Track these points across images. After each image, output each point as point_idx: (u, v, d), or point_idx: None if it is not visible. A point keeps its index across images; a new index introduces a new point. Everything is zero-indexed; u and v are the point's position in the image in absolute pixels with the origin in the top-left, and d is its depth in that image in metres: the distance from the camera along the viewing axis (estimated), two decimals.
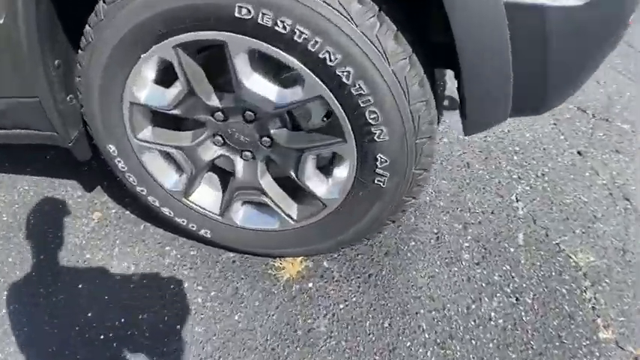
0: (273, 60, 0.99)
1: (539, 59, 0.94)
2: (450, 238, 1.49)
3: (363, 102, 0.97)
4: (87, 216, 1.60)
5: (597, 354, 1.26)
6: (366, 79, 0.94)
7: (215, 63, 1.08)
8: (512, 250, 1.46)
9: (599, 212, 1.56)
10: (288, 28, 0.89)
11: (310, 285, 1.39)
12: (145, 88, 1.14)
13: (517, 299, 1.36)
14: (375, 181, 1.12)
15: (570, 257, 1.45)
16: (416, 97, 0.98)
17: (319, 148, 1.13)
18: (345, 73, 0.93)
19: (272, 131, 1.14)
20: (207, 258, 1.47)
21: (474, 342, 1.28)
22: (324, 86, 0.97)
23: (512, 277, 1.40)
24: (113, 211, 1.61)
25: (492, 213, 1.57)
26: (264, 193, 1.28)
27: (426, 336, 1.28)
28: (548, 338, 1.29)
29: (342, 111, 1.00)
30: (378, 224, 1.25)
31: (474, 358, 1.25)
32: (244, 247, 1.44)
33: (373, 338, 1.29)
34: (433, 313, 1.33)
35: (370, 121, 1.00)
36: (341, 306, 1.34)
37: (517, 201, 1.61)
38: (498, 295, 1.36)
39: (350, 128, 1.03)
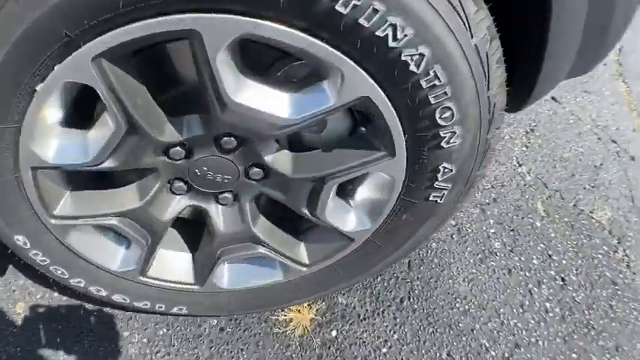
0: (265, 53, 0.67)
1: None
2: (473, 227, 1.28)
3: (435, 97, 0.66)
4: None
5: None
6: (445, 63, 0.63)
7: (159, 69, 0.71)
8: (538, 224, 1.30)
9: (598, 161, 1.46)
10: None
11: (334, 333, 1.08)
12: (50, 138, 0.71)
13: (563, 280, 1.20)
14: (431, 198, 0.84)
15: (592, 217, 1.32)
16: (496, 79, 0.71)
17: (351, 172, 0.78)
18: (415, 58, 0.62)
19: (266, 158, 0.76)
20: (185, 333, 1.09)
21: (540, 343, 1.10)
22: (372, 82, 0.64)
23: (550, 257, 1.24)
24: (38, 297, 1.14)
25: (502, 185, 1.38)
26: (262, 243, 0.92)
27: (493, 354, 1.07)
28: (603, 312, 1.16)
29: (396, 115, 0.70)
30: (420, 244, 0.98)
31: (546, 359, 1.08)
32: (236, 311, 1.08)
33: None
34: (489, 324, 1.11)
35: (440, 122, 0.70)
36: (384, 350, 1.07)
37: (520, 165, 1.44)
38: (545, 281, 1.19)
39: (403, 137, 0.73)
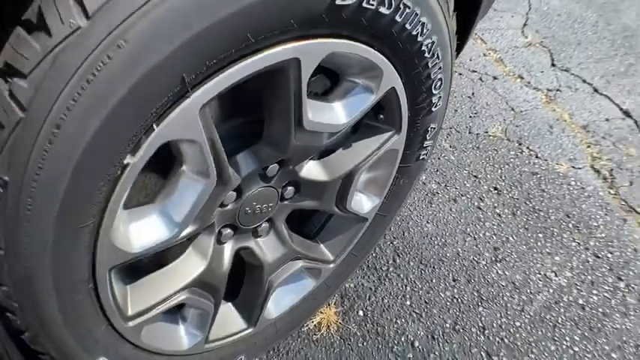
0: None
1: None
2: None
3: (434, 72, 0.80)
4: None
5: None
6: (442, 43, 0.77)
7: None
8: (453, 158, 1.54)
9: (469, 91, 1.76)
10: (393, 3, 0.63)
11: (361, 313, 1.18)
12: (132, 222, 0.65)
13: (496, 189, 1.46)
14: (420, 157, 1.00)
15: (489, 135, 1.62)
16: (454, 38, 0.88)
17: (371, 158, 0.88)
18: (429, 45, 0.74)
19: (301, 173, 0.83)
20: None
21: (510, 238, 1.35)
22: (396, 73, 0.75)
23: (476, 177, 1.49)
24: None
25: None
26: (300, 257, 0.98)
27: (484, 262, 1.29)
28: (540, 197, 1.45)
29: (406, 96, 0.81)
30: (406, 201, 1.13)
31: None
32: (283, 335, 1.11)
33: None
34: (466, 243, 1.32)
35: (434, 91, 0.85)
36: (407, 302, 1.21)
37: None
38: (483, 195, 1.44)
39: (408, 112, 0.86)
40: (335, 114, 0.74)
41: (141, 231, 0.66)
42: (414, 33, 0.70)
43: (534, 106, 1.82)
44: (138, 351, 0.81)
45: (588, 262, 1.33)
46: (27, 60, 0.47)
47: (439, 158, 1.52)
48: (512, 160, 1.54)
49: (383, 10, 0.63)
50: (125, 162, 0.54)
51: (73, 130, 0.48)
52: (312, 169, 0.85)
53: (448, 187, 1.45)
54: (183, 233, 0.69)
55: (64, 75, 0.46)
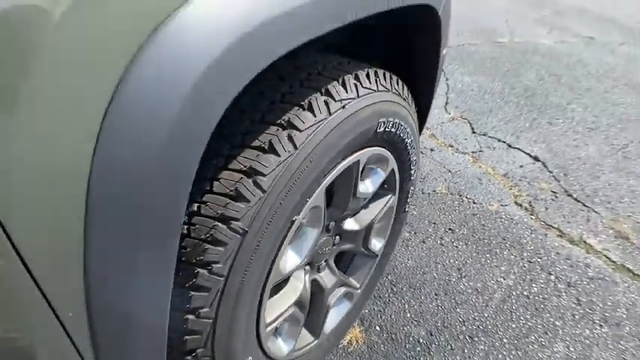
0: None
1: None
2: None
3: (412, 155, 1.36)
4: None
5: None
6: (415, 137, 1.32)
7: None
8: (423, 209, 2.13)
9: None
10: (395, 125, 1.18)
11: (378, 325, 1.72)
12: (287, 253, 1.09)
13: (451, 229, 2.05)
14: (405, 210, 1.54)
15: (437, 193, 2.22)
16: (418, 131, 1.45)
17: (381, 214, 1.39)
18: (409, 141, 1.30)
19: (344, 226, 1.32)
20: None
21: (459, 245, 1.91)
22: (395, 161, 1.30)
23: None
24: None
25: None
26: (344, 284, 1.44)
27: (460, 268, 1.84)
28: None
29: (398, 169, 1.35)
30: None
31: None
32: (333, 344, 1.54)
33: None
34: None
35: (413, 167, 1.41)
36: (416, 306, 1.74)
37: None
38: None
39: (399, 182, 1.40)
40: (367, 187, 1.28)
41: (288, 259, 1.09)
42: (404, 137, 1.27)
43: (465, 166, 2.46)
44: (265, 357, 1.20)
45: (525, 267, 1.91)
46: (265, 167, 0.85)
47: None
48: (457, 207, 2.14)
49: (393, 130, 1.19)
50: (293, 219, 0.98)
51: (282, 206, 0.90)
52: (350, 223, 1.35)
53: (417, 234, 2.02)
54: (302, 263, 1.13)
55: (285, 175, 0.88)
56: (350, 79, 1.03)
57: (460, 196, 2.21)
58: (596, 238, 2.12)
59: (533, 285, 1.83)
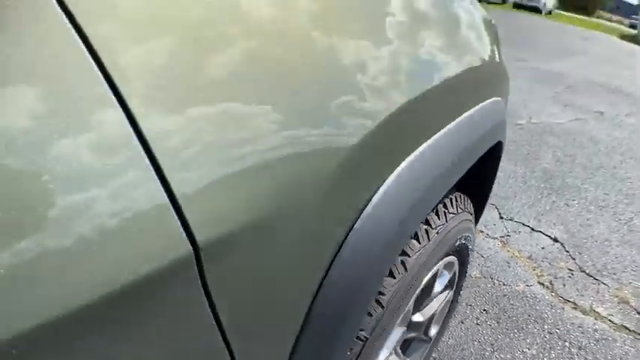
0: None
1: None
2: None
3: (470, 256, 1.62)
4: None
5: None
6: (473, 238, 1.54)
7: None
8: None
9: None
10: (466, 238, 1.40)
11: None
12: None
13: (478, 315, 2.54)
14: (456, 300, 2.05)
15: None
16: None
17: (442, 305, 1.58)
18: (470, 245, 1.52)
19: (414, 319, 1.44)
20: None
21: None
22: (458, 263, 1.55)
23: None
24: None
25: None
26: None
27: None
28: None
29: (459, 271, 1.59)
30: None
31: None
32: None
33: None
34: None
35: (468, 265, 1.70)
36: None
37: None
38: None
39: (457, 279, 1.65)
40: (437, 288, 1.47)
41: (381, 353, 1.28)
42: (469, 245, 1.50)
43: (495, 250, 2.96)
44: None
45: (545, 337, 2.37)
46: (385, 288, 0.97)
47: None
48: (489, 290, 2.63)
49: (464, 242, 1.42)
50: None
51: (392, 319, 1.06)
52: (418, 316, 1.48)
53: (456, 315, 2.51)
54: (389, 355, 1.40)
55: (398, 292, 1.03)
56: (441, 207, 1.22)
57: (492, 279, 2.70)
58: (603, 306, 2.58)
59: (552, 352, 2.29)
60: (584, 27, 27.09)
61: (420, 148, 0.91)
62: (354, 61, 0.74)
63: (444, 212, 1.23)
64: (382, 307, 1.00)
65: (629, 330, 2.43)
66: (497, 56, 1.42)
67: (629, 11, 55.08)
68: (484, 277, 2.70)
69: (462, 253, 1.54)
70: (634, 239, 3.29)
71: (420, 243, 1.09)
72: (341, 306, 0.78)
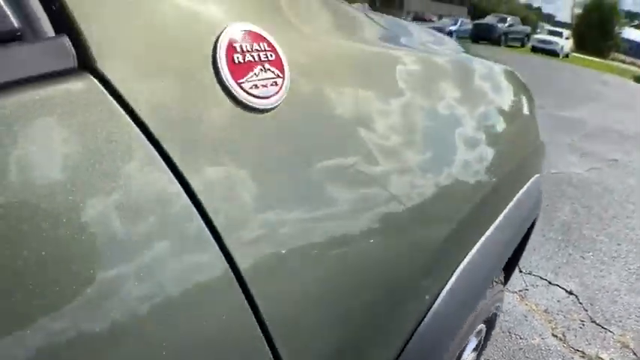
0: None
1: None
2: None
3: (497, 318, 1.79)
4: None
5: None
6: (502, 305, 1.67)
7: None
8: None
9: None
10: (498, 307, 1.56)
11: None
12: None
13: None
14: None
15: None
16: None
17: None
18: (499, 312, 1.71)
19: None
20: None
21: None
22: (486, 328, 1.67)
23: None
24: None
25: None
26: None
27: None
28: None
29: (485, 332, 1.70)
30: None
31: None
32: None
33: None
34: None
35: (495, 323, 1.91)
36: None
37: None
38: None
39: (483, 339, 1.76)
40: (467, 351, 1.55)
41: None
42: (498, 313, 1.66)
43: (513, 305, 3.19)
44: None
45: None
46: None
47: None
48: (507, 344, 2.86)
49: (496, 312, 1.60)
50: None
51: None
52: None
53: None
54: None
55: None
56: None
57: (509, 333, 2.93)
58: (607, 352, 2.81)
59: None
60: (600, 69, 27.43)
61: (483, 238, 0.99)
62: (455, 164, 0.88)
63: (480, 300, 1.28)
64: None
65: None
66: (538, 134, 1.49)
67: None
68: (502, 332, 2.94)
69: (491, 321, 1.66)
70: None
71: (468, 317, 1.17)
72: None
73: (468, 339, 1.31)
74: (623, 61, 50.47)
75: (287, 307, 0.52)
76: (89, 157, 0.39)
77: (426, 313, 0.80)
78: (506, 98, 1.23)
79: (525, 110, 1.39)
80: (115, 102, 0.41)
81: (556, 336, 2.93)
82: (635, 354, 2.81)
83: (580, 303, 3.26)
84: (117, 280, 0.38)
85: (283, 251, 0.51)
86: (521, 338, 2.90)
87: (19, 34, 0.37)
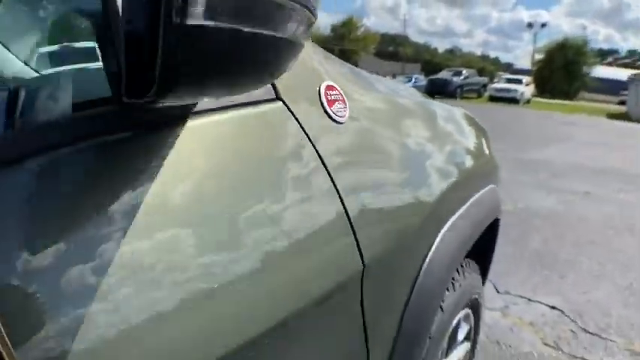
0: None
1: None
2: None
3: (480, 306, 2.32)
4: None
5: None
6: (482, 293, 2.17)
7: None
8: None
9: None
10: (477, 293, 1.96)
11: None
12: None
13: None
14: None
15: None
16: None
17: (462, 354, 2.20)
18: (480, 300, 2.26)
19: None
20: None
21: None
22: (472, 316, 2.05)
23: None
24: None
25: None
26: None
27: None
28: None
29: (474, 321, 2.13)
30: None
31: None
32: None
33: None
34: None
35: (481, 313, 2.47)
36: None
37: None
38: None
39: (473, 329, 2.12)
40: (460, 335, 1.91)
41: None
42: (479, 299, 2.00)
43: (497, 320, 3.53)
44: None
45: None
46: None
47: None
48: (497, 352, 3.17)
49: (476, 297, 2.00)
50: None
51: None
52: None
53: None
54: None
55: None
56: (460, 268, 1.75)
57: (498, 343, 3.29)
58: (615, 358, 3.19)
59: None
60: (566, 111, 29.53)
61: (454, 217, 1.53)
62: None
63: (462, 271, 1.77)
64: (442, 310, 1.54)
65: None
66: (489, 152, 2.13)
67: (618, 87, 59.62)
68: (491, 342, 3.30)
69: (475, 308, 2.07)
70: (638, 302, 3.91)
71: (448, 292, 1.62)
72: (424, 311, 1.37)
73: (454, 317, 1.74)
74: (595, 100, 54.30)
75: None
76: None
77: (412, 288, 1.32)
78: (460, 129, 1.91)
79: (476, 138, 2.06)
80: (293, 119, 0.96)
81: (547, 344, 3.28)
82: None
83: (567, 316, 3.67)
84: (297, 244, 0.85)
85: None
86: (510, 346, 3.26)
87: None
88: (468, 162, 1.82)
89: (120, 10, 0.52)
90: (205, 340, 0.66)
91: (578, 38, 60.61)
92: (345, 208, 0.98)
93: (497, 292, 3.92)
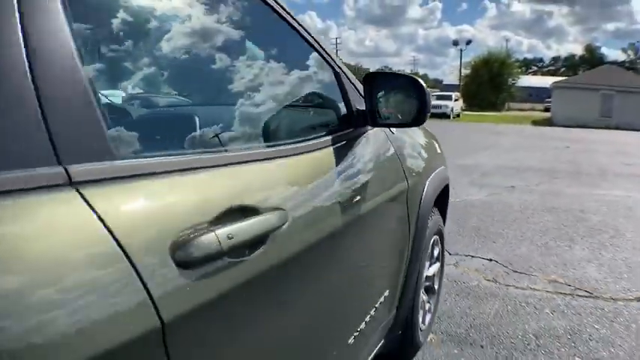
0: None
1: None
2: None
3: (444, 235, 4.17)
4: None
5: None
6: (443, 230, 3.74)
7: None
8: None
9: None
10: (441, 226, 3.35)
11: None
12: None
13: None
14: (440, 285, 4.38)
15: None
16: None
17: (436, 269, 3.77)
18: (444, 231, 4.11)
19: (428, 274, 3.48)
20: None
21: None
22: (440, 242, 3.67)
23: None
24: None
25: None
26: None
27: None
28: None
29: (441, 246, 3.84)
30: None
31: None
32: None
33: None
34: None
35: (444, 241, 4.22)
36: None
37: None
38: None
39: (440, 253, 4.13)
40: (435, 253, 3.55)
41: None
42: (442, 231, 3.65)
43: (452, 270, 4.97)
44: None
45: (500, 302, 4.75)
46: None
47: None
48: (455, 286, 4.82)
49: (441, 229, 3.45)
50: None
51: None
52: (430, 270, 3.74)
53: (443, 296, 4.79)
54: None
55: None
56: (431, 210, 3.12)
57: (456, 281, 4.77)
58: (537, 286, 4.66)
59: (509, 307, 4.63)
60: (493, 122, 32.19)
61: (432, 174, 3.06)
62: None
63: (433, 211, 3.15)
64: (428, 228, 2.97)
65: (565, 294, 4.58)
66: (440, 149, 3.55)
67: (544, 94, 63.09)
68: (450, 282, 4.96)
69: (441, 236, 3.46)
70: (551, 252, 5.67)
71: (429, 219, 3.00)
72: (423, 222, 2.86)
73: (432, 236, 3.15)
74: (521, 109, 57.63)
75: None
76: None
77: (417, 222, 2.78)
78: (426, 135, 3.41)
79: (434, 141, 3.55)
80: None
81: (488, 280, 4.93)
82: (567, 284, 4.71)
83: (500, 264, 5.38)
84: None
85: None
86: (463, 282, 5.00)
87: None
88: (433, 151, 3.33)
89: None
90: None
91: (501, 52, 64.70)
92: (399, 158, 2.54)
93: (449, 254, 5.63)
